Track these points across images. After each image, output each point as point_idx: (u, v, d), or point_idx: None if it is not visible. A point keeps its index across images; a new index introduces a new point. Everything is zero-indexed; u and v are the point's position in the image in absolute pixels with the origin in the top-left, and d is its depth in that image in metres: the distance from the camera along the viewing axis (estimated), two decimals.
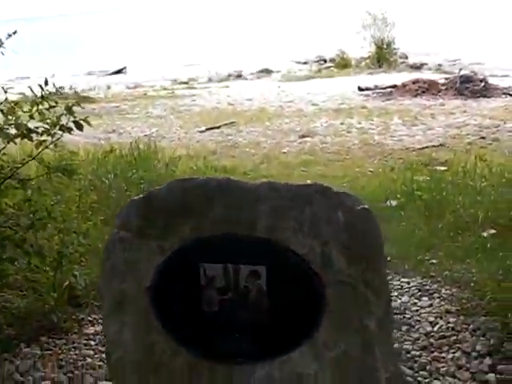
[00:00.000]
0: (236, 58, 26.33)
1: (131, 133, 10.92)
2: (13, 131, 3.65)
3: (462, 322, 3.66)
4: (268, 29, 35.06)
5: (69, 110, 3.48)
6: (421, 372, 3.21)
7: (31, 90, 3.71)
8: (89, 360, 3.51)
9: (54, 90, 3.69)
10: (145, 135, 10.64)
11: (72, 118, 3.54)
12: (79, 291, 4.07)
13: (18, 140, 3.70)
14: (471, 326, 3.59)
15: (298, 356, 2.07)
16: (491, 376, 3.08)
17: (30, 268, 4.10)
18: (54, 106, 3.54)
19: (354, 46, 21.79)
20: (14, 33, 3.80)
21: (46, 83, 3.68)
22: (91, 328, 3.91)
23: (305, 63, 25.18)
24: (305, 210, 1.99)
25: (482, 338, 3.43)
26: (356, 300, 2.00)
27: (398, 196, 6.09)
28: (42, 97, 3.66)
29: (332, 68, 22.17)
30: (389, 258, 4.72)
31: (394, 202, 6.03)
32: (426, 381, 3.13)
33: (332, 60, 23.31)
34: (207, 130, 11.23)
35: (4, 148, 3.70)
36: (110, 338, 2.25)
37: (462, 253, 4.57)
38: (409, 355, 3.38)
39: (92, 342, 3.73)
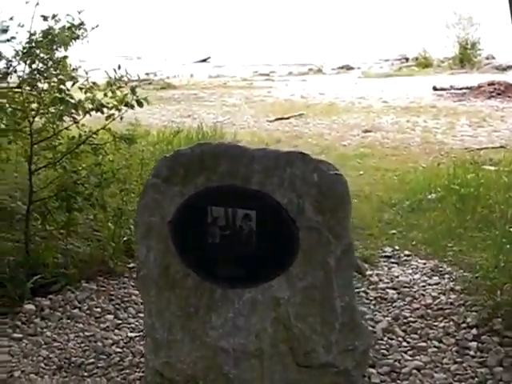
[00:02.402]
0: (319, 53, 26.58)
1: (205, 119, 11.54)
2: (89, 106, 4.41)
3: (462, 299, 4.08)
4: (353, 25, 35.15)
5: (132, 91, 4.19)
6: (411, 335, 3.71)
7: (106, 73, 4.45)
8: (133, 297, 4.24)
9: (124, 74, 4.39)
10: (217, 122, 11.27)
11: (135, 98, 4.23)
12: (134, 243, 4.71)
13: (92, 113, 4.46)
14: (468, 303, 4.01)
15: (276, 284, 2.68)
16: (473, 344, 3.53)
17: (95, 220, 4.88)
18: (122, 87, 4.23)
19: (438, 46, 21.59)
20: (97, 26, 4.53)
21: (119, 68, 4.40)
22: None
23: (386, 61, 25.22)
24: (286, 170, 2.60)
25: (474, 313, 3.85)
26: (321, 242, 2.58)
27: (439, 190, 6.46)
28: (116, 79, 4.39)
29: (413, 67, 22.15)
30: (414, 242, 5.22)
31: (433, 195, 6.41)
32: (415, 341, 3.63)
33: (414, 59, 23.24)
34: (276, 120, 11.81)
35: (81, 119, 4.45)
36: (140, 259, 2.95)
37: (484, 243, 4.91)
38: (405, 320, 3.89)
39: None
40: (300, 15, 40.08)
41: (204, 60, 27.43)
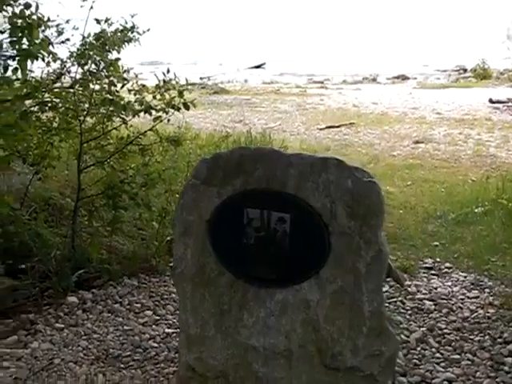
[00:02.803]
0: (375, 62, 26.45)
1: (256, 124, 11.69)
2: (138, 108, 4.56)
3: (500, 314, 4.07)
4: (412, 35, 34.83)
5: (179, 94, 4.32)
6: (446, 347, 3.72)
7: (156, 76, 4.59)
8: (173, 295, 4.34)
9: (173, 77, 4.53)
10: (268, 127, 11.39)
11: (182, 100, 4.36)
12: None
13: (141, 115, 4.62)
14: (506, 318, 4.00)
15: (307, 286, 2.74)
16: (509, 359, 3.50)
17: (140, 219, 5.04)
18: (169, 89, 4.37)
19: (498, 57, 21.19)
20: (148, 30, 4.69)
21: (168, 71, 4.55)
22: None
23: (444, 71, 24.88)
24: (321, 175, 2.66)
25: (511, 329, 3.83)
26: (352, 247, 2.63)
27: (486, 203, 6.41)
28: (164, 82, 4.54)
29: (470, 78, 21.76)
30: (456, 255, 5.18)
31: (480, 209, 6.35)
32: (448, 353, 3.63)
33: (472, 70, 22.82)
34: (327, 128, 11.85)
35: (130, 120, 4.61)
36: (176, 257, 3.04)
37: None
38: (439, 332, 3.88)
39: None
40: (360, 24, 39.98)
41: (259, 66, 27.65)
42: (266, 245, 2.78)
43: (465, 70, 23.82)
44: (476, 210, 6.30)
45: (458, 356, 3.58)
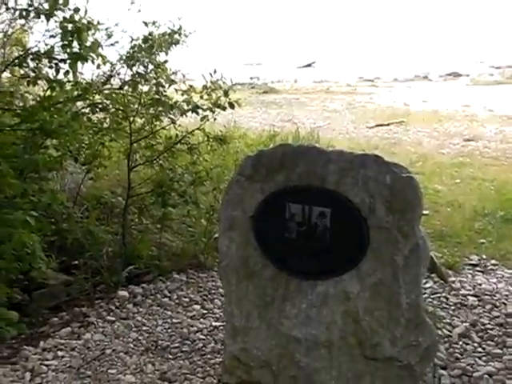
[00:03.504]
0: (427, 60, 26.09)
1: (305, 123, 11.74)
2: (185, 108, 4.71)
3: None
4: (467, 32, 34.24)
5: (225, 94, 4.46)
6: (488, 342, 3.75)
7: (203, 77, 4.74)
8: (220, 290, 4.45)
9: (220, 78, 4.67)
10: (317, 126, 11.43)
11: (228, 100, 4.50)
12: None
13: (190, 115, 4.77)
14: None
15: (347, 279, 2.83)
16: None
17: (189, 216, 5.20)
18: (215, 89, 4.51)
19: None
20: (194, 31, 4.85)
21: (215, 72, 4.69)
22: None
23: (498, 68, 24.37)
24: (360, 171, 2.75)
25: None
26: (390, 241, 2.70)
27: None
28: (212, 82, 4.68)
29: None
30: (502, 252, 5.17)
31: None
32: (490, 348, 3.67)
33: None
34: (376, 126, 11.82)
35: (178, 119, 4.78)
36: (222, 250, 3.18)
37: None
38: (482, 327, 3.91)
39: None
40: (413, 20, 39.53)
41: (309, 65, 27.66)
42: (308, 238, 2.88)
43: None
44: None
45: (499, 351, 3.60)
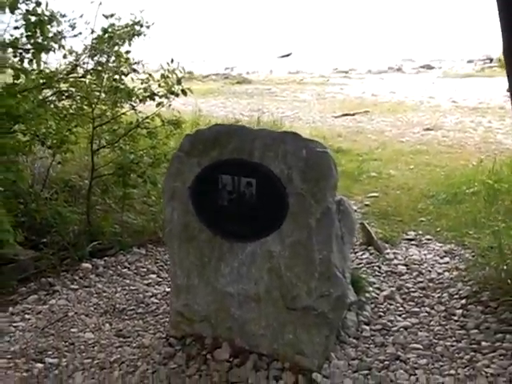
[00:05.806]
0: (402, 52, 26.44)
1: (273, 113, 12.08)
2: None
3: (462, 276, 4.53)
4: (441, 25, 34.75)
5: (178, 82, 4.87)
6: (409, 302, 4.21)
7: (161, 66, 5.14)
8: None
9: (176, 67, 5.07)
10: (285, 116, 11.81)
11: (181, 87, 4.91)
12: None
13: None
14: (466, 278, 4.45)
15: (270, 240, 3.26)
16: (459, 311, 3.99)
17: (149, 196, 5.60)
18: (169, 77, 4.91)
19: None
20: (153, 24, 5.22)
21: (172, 61, 5.08)
22: None
23: (470, 62, 24.83)
24: (280, 146, 3.17)
25: (468, 287, 4.29)
26: (305, 205, 3.13)
27: (476, 184, 6.76)
28: (169, 71, 5.08)
29: (495, 68, 21.72)
30: (438, 229, 5.61)
31: (470, 190, 6.71)
32: (410, 307, 4.12)
33: (497, 59, 22.73)
34: (342, 115, 12.25)
35: (137, 106, 5.17)
36: (166, 218, 3.60)
37: (504, 232, 5.10)
38: (406, 290, 4.37)
39: None
40: (388, 12, 39.95)
41: (287, 55, 28.00)
42: (237, 205, 3.32)
43: (491, 60, 23.70)
44: (466, 191, 6.64)
45: (417, 309, 4.06)
